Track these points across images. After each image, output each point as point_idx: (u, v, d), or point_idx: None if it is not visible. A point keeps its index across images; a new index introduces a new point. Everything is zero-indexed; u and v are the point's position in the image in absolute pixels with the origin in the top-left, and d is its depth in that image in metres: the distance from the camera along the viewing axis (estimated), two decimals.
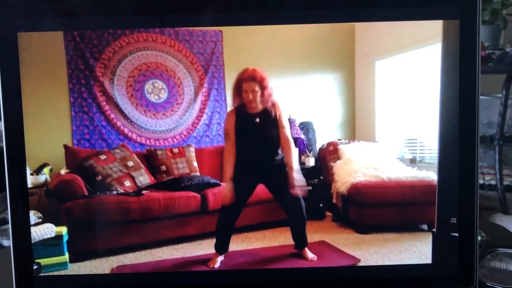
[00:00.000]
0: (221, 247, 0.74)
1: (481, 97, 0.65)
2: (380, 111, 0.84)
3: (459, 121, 0.66)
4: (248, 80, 0.73)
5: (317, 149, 0.87)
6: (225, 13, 0.66)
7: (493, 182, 2.46)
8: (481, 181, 2.50)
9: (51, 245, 0.71)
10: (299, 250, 0.76)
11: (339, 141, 0.86)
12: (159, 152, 0.87)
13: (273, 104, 0.75)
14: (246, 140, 0.76)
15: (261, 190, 0.79)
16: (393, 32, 0.71)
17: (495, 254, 0.80)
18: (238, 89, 0.74)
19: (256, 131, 0.76)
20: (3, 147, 0.65)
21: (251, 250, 0.78)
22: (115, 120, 0.83)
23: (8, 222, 0.66)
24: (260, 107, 0.75)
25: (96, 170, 0.81)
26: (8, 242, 1.50)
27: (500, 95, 2.34)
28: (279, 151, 0.78)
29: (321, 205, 0.85)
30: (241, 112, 0.75)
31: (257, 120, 0.75)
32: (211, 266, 0.73)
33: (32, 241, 0.68)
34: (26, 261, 0.68)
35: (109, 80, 0.79)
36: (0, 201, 1.98)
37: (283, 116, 0.76)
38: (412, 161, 0.82)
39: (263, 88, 0.73)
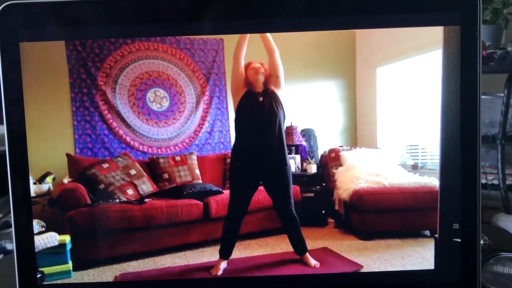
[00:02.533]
0: (226, 251, 0.74)
1: (482, 96, 0.65)
2: (381, 117, 0.84)
3: (460, 127, 0.66)
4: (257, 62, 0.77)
5: (319, 156, 0.87)
6: (226, 22, 0.66)
7: (495, 182, 2.45)
8: (483, 181, 2.50)
9: (55, 253, 0.71)
10: (301, 256, 0.76)
11: (340, 148, 0.86)
12: (161, 160, 0.87)
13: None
14: (249, 119, 0.78)
15: (263, 197, 0.79)
16: (394, 39, 0.71)
17: (498, 259, 0.80)
18: (245, 72, 0.77)
19: (259, 109, 0.78)
20: (5, 151, 0.65)
21: (254, 257, 0.78)
22: (117, 128, 0.83)
23: (10, 226, 0.66)
24: (261, 86, 0.77)
25: (99, 178, 0.81)
26: (11, 246, 1.51)
27: (502, 95, 2.33)
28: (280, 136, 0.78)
29: (323, 211, 0.85)
30: (247, 93, 0.78)
31: (261, 98, 0.77)
32: (214, 273, 0.74)
33: (36, 250, 0.68)
34: (30, 270, 0.68)
35: (111, 89, 0.79)
36: (2, 205, 1.98)
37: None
38: (414, 167, 0.82)
39: (266, 71, 0.77)
